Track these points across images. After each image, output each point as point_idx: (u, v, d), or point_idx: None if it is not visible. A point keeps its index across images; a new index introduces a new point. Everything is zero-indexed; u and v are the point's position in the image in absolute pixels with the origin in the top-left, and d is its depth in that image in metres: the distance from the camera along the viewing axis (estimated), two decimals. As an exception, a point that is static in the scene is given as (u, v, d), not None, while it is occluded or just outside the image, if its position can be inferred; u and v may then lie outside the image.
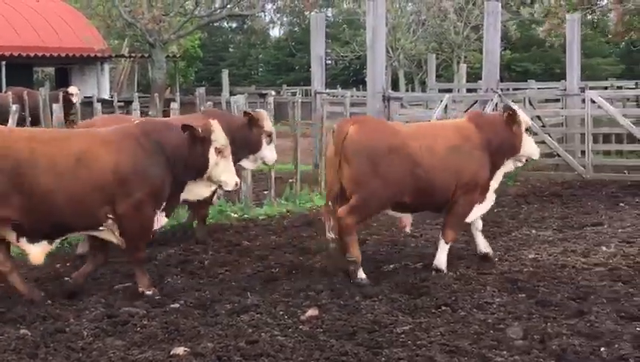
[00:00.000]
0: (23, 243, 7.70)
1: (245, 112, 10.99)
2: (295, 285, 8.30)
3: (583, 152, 16.17)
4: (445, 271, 8.68)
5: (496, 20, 16.53)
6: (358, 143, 8.45)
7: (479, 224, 9.37)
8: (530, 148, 9.36)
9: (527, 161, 9.80)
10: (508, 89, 22.63)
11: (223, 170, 8.29)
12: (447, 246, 8.89)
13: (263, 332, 6.73)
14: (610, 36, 24.96)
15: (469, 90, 24.10)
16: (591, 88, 19.09)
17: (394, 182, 8.47)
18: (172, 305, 7.62)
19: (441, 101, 15.60)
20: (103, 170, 7.69)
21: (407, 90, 38.83)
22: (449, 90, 25.14)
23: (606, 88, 24.91)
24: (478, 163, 8.92)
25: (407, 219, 9.21)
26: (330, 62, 59.26)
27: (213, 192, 9.37)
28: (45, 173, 7.50)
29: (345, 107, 16.12)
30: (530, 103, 16.83)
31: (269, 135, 10.86)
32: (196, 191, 8.53)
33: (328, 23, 56.31)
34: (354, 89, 34.81)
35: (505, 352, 6.29)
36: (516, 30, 39.87)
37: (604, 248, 9.88)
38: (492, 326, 6.91)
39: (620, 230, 11.03)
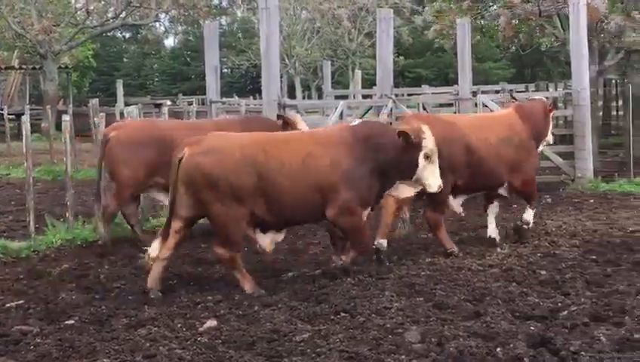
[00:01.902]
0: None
1: (279, 115, 11.22)
2: (193, 296, 8.20)
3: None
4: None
5: (389, 27, 16.69)
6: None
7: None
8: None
9: None
10: (403, 95, 22.86)
11: (430, 174, 8.78)
12: None
13: (160, 346, 6.62)
14: (500, 41, 25.38)
15: (364, 97, 24.27)
16: (483, 92, 19.41)
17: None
18: (67, 322, 7.46)
19: (337, 108, 15.67)
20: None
21: (303, 97, 38.97)
22: (345, 97, 25.37)
23: (497, 92, 25.42)
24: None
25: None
26: (226, 70, 59.17)
27: None
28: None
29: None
30: (424, 108, 17.01)
31: None
32: (402, 189, 9.08)
33: (224, 32, 56.32)
34: (251, 97, 34.76)
35: (403, 356, 6.31)
36: (409, 36, 40.39)
37: (498, 249, 10.06)
38: (390, 330, 6.93)
39: (512, 231, 11.23)
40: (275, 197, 8.28)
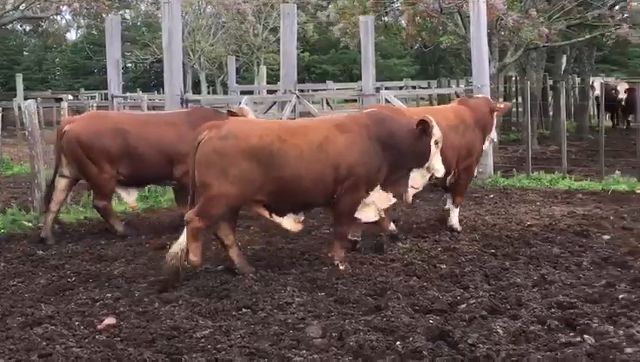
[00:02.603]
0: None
1: (229, 111, 11.04)
2: (92, 294, 8.09)
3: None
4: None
5: (293, 22, 16.68)
6: None
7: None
8: None
9: None
10: (308, 90, 22.90)
11: (437, 160, 9.30)
12: None
13: (57, 344, 6.50)
14: (404, 39, 25.62)
15: (269, 92, 24.21)
16: (386, 88, 19.57)
17: None
18: (-40, 322, 7.26)
19: (240, 103, 15.59)
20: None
21: (209, 93, 38.68)
22: (250, 92, 25.25)
23: (401, 88, 25.70)
24: None
25: None
26: (130, 65, 58.35)
27: None
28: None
29: (142, 111, 15.87)
30: (328, 104, 17.09)
31: None
32: (415, 178, 9.53)
33: (127, 26, 55.51)
34: (155, 92, 34.37)
35: (304, 351, 6.33)
36: (314, 32, 40.46)
37: (400, 244, 10.15)
38: (292, 325, 6.94)
39: (414, 226, 11.36)
40: (291, 181, 8.50)
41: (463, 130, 10.92)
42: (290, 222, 8.91)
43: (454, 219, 11.09)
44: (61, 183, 11.23)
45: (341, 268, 8.81)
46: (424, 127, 9.02)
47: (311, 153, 8.54)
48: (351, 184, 8.75)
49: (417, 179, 9.64)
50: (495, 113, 11.63)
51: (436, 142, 9.20)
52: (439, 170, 9.43)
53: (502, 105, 12.19)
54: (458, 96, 12.67)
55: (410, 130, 9.06)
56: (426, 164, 9.32)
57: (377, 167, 8.90)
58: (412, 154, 9.12)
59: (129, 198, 11.60)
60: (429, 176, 9.60)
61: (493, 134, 11.82)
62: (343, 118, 9.27)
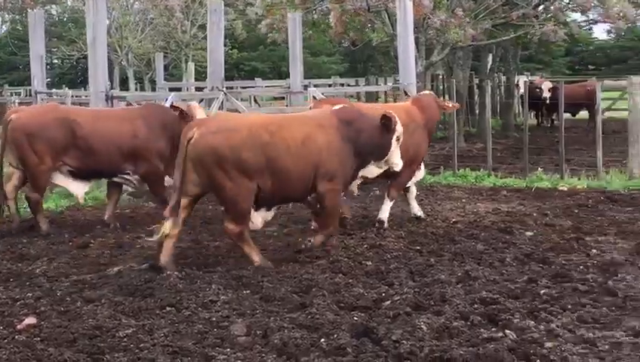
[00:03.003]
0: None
1: (173, 106, 11.38)
2: (12, 293, 7.93)
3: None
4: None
5: (220, 19, 16.57)
6: None
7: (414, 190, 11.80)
8: None
9: None
10: (236, 87, 22.81)
11: (397, 155, 9.75)
12: None
13: (-25, 346, 6.36)
14: (332, 36, 25.66)
15: (197, 89, 24.03)
16: (315, 86, 19.58)
17: None
18: None
19: (166, 100, 15.46)
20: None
21: (136, 90, 38.29)
22: (179, 89, 25.10)
23: (330, 86, 25.77)
24: None
25: None
26: (57, 61, 57.54)
27: None
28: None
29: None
30: (256, 101, 17.03)
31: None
32: (371, 169, 9.86)
33: (53, 21, 54.73)
34: (82, 89, 33.91)
35: (228, 349, 6.30)
36: (243, 29, 40.32)
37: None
38: (216, 324, 6.90)
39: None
40: (278, 173, 8.83)
41: (412, 129, 10.98)
42: (258, 219, 9.16)
43: (385, 213, 11.12)
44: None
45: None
46: (387, 123, 9.45)
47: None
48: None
49: (374, 172, 9.96)
50: (442, 111, 12.16)
51: (397, 138, 9.63)
52: (398, 164, 9.86)
53: (449, 105, 12.38)
54: (407, 95, 12.86)
55: (375, 126, 9.49)
56: (385, 158, 9.71)
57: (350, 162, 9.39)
58: (374, 147, 9.55)
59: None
60: (384, 169, 9.94)
61: None
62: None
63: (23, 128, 10.99)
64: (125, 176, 11.50)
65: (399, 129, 9.60)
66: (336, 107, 9.80)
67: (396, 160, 9.81)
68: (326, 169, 9.06)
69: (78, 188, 11.51)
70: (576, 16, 28.14)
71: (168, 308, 7.36)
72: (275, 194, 8.95)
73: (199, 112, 11.22)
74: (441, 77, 29.47)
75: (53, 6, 54.10)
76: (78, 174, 11.31)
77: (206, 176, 8.66)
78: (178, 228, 8.80)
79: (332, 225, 9.55)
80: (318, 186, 9.10)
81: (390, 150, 9.66)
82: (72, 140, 11.07)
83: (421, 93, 12.76)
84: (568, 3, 24.24)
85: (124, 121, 11.44)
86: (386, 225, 11.00)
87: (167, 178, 11.31)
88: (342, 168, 9.22)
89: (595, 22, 29.39)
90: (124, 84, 40.73)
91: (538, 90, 27.33)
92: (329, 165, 9.08)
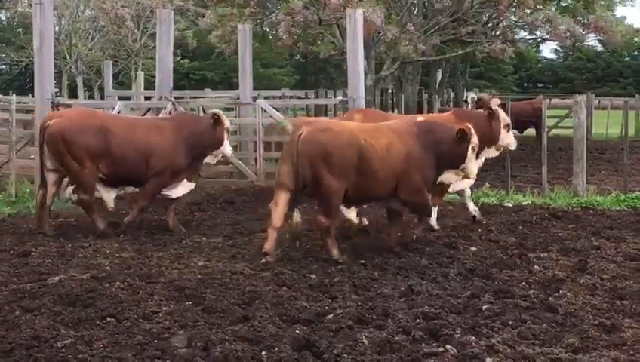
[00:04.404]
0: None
1: (204, 112, 11.83)
2: (-52, 302, 7.79)
3: (256, 160, 16.58)
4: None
5: (169, 29, 16.50)
6: None
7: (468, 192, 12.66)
8: None
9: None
10: (185, 97, 22.69)
11: (473, 164, 10.64)
12: None
13: None
14: (280, 48, 25.70)
15: (146, 98, 23.87)
16: (265, 98, 19.57)
17: None
18: None
19: (114, 108, 15.37)
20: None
21: (85, 98, 37.96)
22: (128, 98, 24.93)
23: (280, 97, 25.76)
24: None
25: None
26: (4, 67, 56.86)
27: None
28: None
29: (11, 113, 15.47)
30: (204, 111, 16.93)
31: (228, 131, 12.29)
32: (448, 176, 10.78)
33: (3, 27, 54.12)
34: (30, 95, 33.52)
35: (168, 361, 6.24)
36: (194, 39, 40.22)
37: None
38: (157, 335, 6.83)
39: (287, 235, 11.32)
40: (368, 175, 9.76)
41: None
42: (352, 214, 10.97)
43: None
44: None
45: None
46: (463, 134, 10.24)
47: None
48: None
49: (451, 178, 10.87)
50: None
51: (473, 149, 10.43)
52: (474, 172, 10.81)
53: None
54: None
55: (452, 136, 10.32)
56: (461, 166, 10.52)
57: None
58: (451, 156, 10.44)
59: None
60: (461, 176, 10.83)
61: None
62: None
63: (61, 133, 11.08)
64: None
65: (474, 140, 10.38)
66: (419, 119, 11.00)
67: (473, 169, 10.72)
68: (407, 173, 10.01)
69: (110, 195, 11.65)
70: (525, 34, 28.48)
71: (109, 319, 7.27)
72: (359, 193, 9.87)
73: (226, 118, 12.20)
74: (390, 91, 29.65)
75: (2, 11, 53.53)
76: (107, 181, 11.47)
77: (309, 170, 9.50)
78: (281, 221, 9.75)
79: (425, 215, 10.80)
80: (402, 188, 10.07)
81: (466, 159, 10.43)
82: (107, 147, 11.22)
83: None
84: (517, 21, 24.50)
85: (156, 130, 11.70)
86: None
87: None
88: (421, 172, 10.14)
89: (543, 40, 29.71)
90: (73, 92, 40.36)
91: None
92: (411, 170, 10.04)
